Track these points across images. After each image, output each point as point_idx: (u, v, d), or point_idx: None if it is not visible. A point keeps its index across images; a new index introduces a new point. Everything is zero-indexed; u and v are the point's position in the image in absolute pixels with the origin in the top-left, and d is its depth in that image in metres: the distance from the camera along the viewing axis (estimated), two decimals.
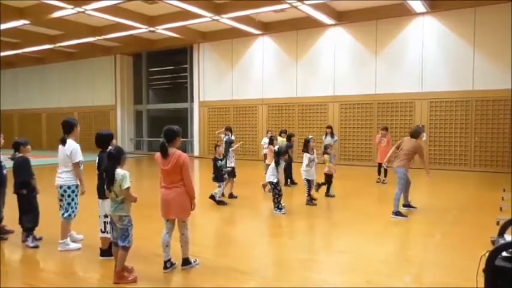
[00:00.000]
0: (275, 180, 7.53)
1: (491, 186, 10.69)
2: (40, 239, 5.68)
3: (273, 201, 7.57)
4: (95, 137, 4.96)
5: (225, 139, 10.55)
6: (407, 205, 7.70)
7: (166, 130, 4.47)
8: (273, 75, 17.59)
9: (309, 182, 8.24)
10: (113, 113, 22.68)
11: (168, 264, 4.52)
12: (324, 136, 12.07)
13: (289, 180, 10.51)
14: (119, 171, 4.26)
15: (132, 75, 22.96)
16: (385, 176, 10.92)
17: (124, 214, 4.29)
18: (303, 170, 8.30)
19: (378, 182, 10.86)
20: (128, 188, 4.21)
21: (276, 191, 7.51)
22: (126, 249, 4.27)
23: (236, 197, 8.99)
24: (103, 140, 4.94)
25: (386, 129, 11.10)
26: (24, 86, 26.51)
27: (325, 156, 8.88)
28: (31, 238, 5.52)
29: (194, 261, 4.69)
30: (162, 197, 4.51)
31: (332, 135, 12.08)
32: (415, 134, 7.47)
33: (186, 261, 4.61)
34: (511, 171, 12.27)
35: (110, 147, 4.72)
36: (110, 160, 4.29)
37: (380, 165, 10.94)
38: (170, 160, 4.37)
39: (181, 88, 21.53)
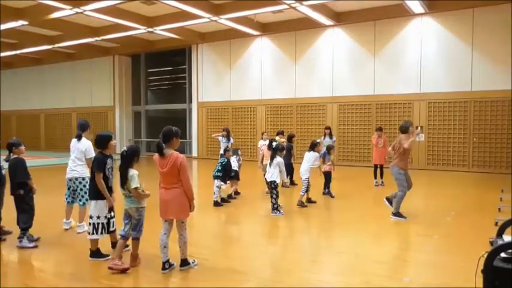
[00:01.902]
0: (279, 180, 7.53)
1: (490, 187, 10.70)
2: (38, 239, 5.67)
3: (271, 202, 7.52)
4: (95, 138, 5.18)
5: (223, 141, 10.60)
6: (387, 199, 7.29)
7: (164, 130, 4.50)
8: (271, 76, 17.59)
9: (309, 182, 8.26)
10: (111, 113, 22.65)
11: (166, 265, 4.51)
12: (323, 137, 12.07)
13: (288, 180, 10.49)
14: (129, 171, 4.61)
15: (130, 76, 22.93)
16: (382, 178, 10.89)
17: (140, 206, 4.66)
18: (308, 167, 8.26)
19: (377, 185, 10.80)
20: (135, 188, 4.53)
21: (275, 191, 7.49)
22: (138, 239, 4.69)
23: (235, 198, 8.99)
24: (100, 140, 5.09)
25: (381, 129, 11.08)
26: (23, 87, 26.46)
27: (331, 156, 9.11)
28: (26, 238, 5.50)
29: (192, 262, 4.69)
30: (161, 197, 4.53)
31: (330, 136, 12.10)
32: (402, 128, 7.19)
33: (184, 262, 4.61)
34: (510, 172, 12.29)
35: (123, 148, 4.85)
36: (122, 160, 4.62)
37: (376, 167, 10.93)
38: (168, 162, 4.38)
39: (179, 89, 21.50)
